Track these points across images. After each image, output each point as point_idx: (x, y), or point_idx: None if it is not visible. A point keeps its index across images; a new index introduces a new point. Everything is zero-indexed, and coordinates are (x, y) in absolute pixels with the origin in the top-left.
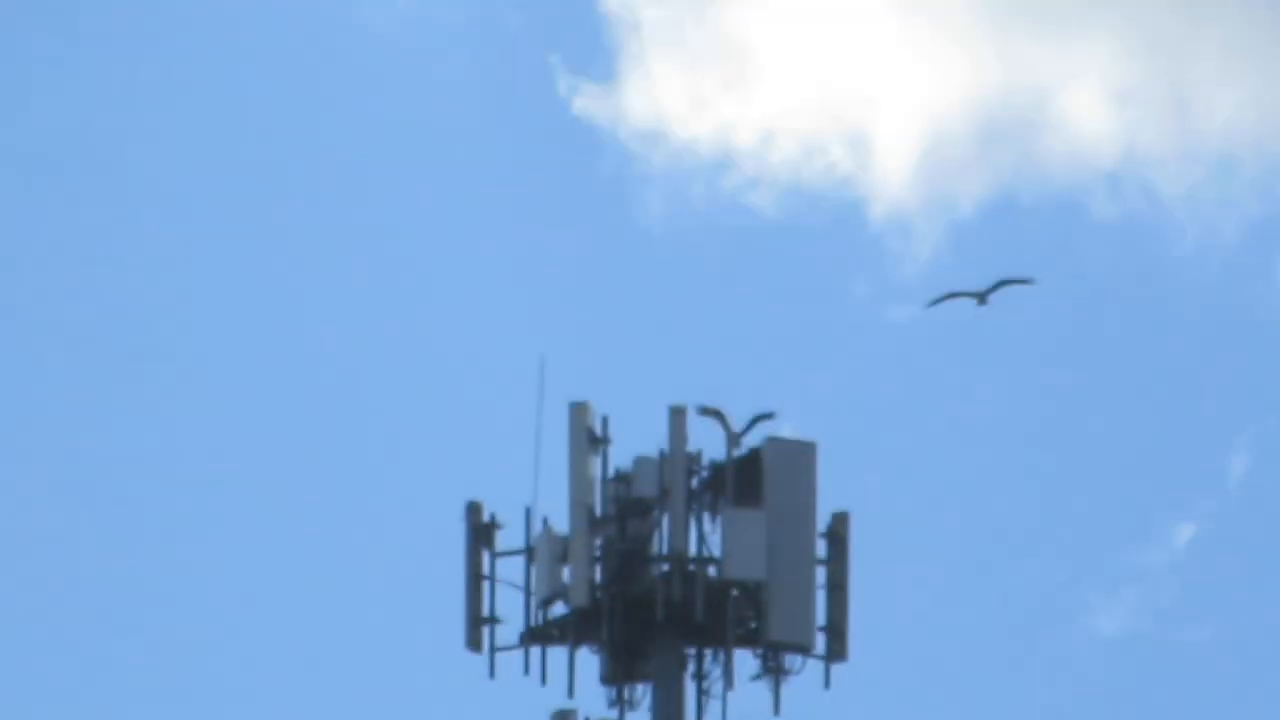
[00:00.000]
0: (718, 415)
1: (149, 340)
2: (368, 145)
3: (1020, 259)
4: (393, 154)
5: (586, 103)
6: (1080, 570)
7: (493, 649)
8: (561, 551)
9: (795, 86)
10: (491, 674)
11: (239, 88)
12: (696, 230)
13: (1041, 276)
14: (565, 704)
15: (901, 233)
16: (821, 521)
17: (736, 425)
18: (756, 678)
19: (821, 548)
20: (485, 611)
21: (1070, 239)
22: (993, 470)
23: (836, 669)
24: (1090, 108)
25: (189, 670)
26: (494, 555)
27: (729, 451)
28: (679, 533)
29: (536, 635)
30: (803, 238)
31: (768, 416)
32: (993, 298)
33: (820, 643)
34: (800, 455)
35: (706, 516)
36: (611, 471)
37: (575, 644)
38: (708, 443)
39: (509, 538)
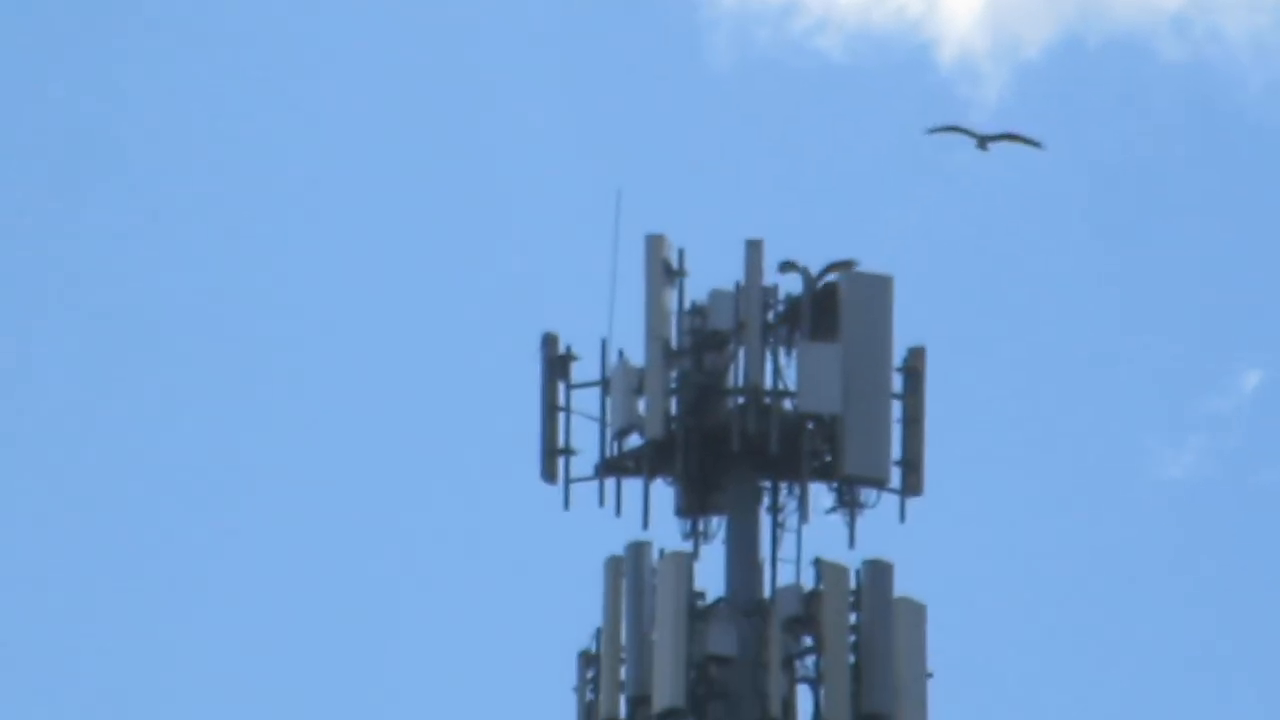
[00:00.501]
0: (797, 269)
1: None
2: None
3: (1087, 102)
4: None
5: None
6: (1149, 414)
7: (567, 480)
8: (637, 383)
9: None
10: (566, 505)
11: None
12: (764, 72)
13: (1109, 119)
14: (640, 535)
15: (970, 77)
16: (897, 356)
17: (814, 275)
18: (831, 511)
19: (897, 382)
20: (560, 443)
21: (1137, 81)
22: (1063, 312)
23: (912, 503)
24: None
25: (260, 496)
26: (569, 387)
27: (805, 286)
28: (755, 365)
29: (611, 467)
30: (871, 81)
31: (847, 264)
32: (998, 148)
33: (895, 477)
34: (877, 289)
35: (782, 350)
36: (687, 304)
37: (650, 476)
38: (783, 277)
39: (584, 370)
